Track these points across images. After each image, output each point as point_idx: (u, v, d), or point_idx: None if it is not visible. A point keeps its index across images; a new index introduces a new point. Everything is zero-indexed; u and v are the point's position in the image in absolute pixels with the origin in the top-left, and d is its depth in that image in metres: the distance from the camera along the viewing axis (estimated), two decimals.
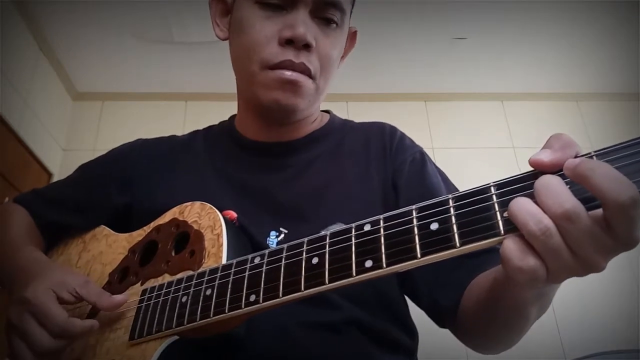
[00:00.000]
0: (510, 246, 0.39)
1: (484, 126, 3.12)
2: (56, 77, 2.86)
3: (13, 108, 2.43)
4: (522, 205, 0.38)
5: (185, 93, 3.09)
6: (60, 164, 2.88)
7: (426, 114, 3.17)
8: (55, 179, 2.78)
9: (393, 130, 0.84)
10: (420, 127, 3.11)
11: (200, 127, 0.95)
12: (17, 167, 2.47)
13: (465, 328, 0.66)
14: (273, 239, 0.70)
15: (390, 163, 0.78)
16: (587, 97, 3.17)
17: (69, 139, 2.98)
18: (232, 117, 0.91)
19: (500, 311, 0.55)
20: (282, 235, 0.70)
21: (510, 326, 0.57)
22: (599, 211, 0.37)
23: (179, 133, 0.94)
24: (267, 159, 0.81)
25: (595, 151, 0.39)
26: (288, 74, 0.72)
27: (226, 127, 0.89)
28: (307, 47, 0.72)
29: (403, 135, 0.84)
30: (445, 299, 0.66)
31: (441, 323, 0.71)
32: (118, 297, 0.65)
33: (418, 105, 3.19)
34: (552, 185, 0.38)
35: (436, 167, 0.81)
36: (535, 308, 0.53)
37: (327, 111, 0.91)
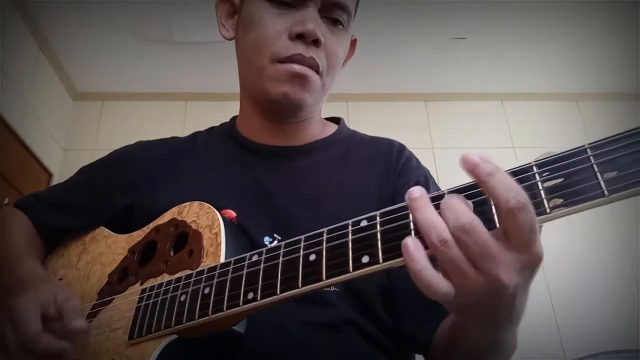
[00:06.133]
0: (406, 251, 0.41)
1: (484, 126, 3.12)
2: (56, 77, 2.86)
3: (13, 108, 2.43)
4: (427, 217, 0.41)
5: (185, 93, 3.09)
6: (60, 164, 2.88)
7: (426, 114, 3.17)
8: (55, 179, 2.79)
9: (401, 149, 0.84)
10: (420, 127, 3.11)
11: (200, 127, 0.95)
12: (17, 167, 2.48)
13: None
14: (267, 245, 0.69)
15: (392, 182, 0.78)
16: (587, 97, 3.17)
17: (69, 139, 2.98)
18: (234, 119, 0.91)
19: (459, 357, 0.57)
20: (275, 242, 0.70)
21: None
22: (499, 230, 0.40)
23: (179, 133, 0.94)
24: (268, 162, 0.81)
25: (589, 144, 0.39)
26: (297, 67, 0.74)
27: (227, 128, 0.90)
28: (316, 42, 0.75)
29: (411, 156, 0.84)
30: (421, 334, 0.67)
31: (418, 352, 0.72)
32: (79, 323, 0.60)
33: (418, 105, 3.19)
34: (453, 202, 0.41)
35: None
36: (491, 356, 0.53)
37: (337, 120, 0.91)
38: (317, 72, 0.76)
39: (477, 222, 0.39)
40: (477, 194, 0.42)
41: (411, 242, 0.40)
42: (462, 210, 0.40)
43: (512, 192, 0.38)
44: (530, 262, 0.40)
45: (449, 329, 0.58)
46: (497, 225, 0.41)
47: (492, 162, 0.40)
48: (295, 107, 0.77)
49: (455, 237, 0.40)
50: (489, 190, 0.39)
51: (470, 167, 0.40)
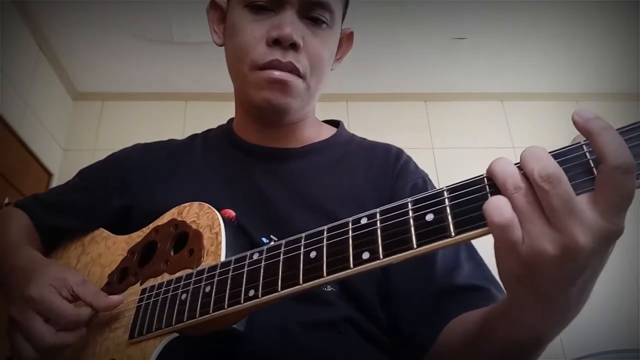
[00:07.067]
0: (493, 200, 0.40)
1: (484, 126, 3.13)
2: (56, 77, 2.86)
3: (13, 108, 2.43)
4: (502, 164, 0.40)
5: (185, 93, 3.10)
6: (60, 164, 2.88)
7: (426, 114, 3.17)
8: (55, 179, 2.79)
9: (399, 153, 0.84)
10: (420, 127, 3.11)
11: (201, 127, 0.96)
12: (17, 167, 2.48)
13: None
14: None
15: (389, 186, 0.77)
16: (587, 97, 3.17)
17: (69, 139, 2.98)
18: (230, 121, 0.92)
19: (489, 351, 0.53)
20: (272, 243, 0.70)
21: None
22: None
23: (179, 133, 0.95)
24: (265, 163, 0.81)
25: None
26: (276, 73, 0.73)
27: (224, 130, 0.90)
28: (294, 46, 0.73)
29: (408, 160, 0.83)
30: (422, 335, 0.65)
31: (410, 355, 0.68)
32: (115, 298, 0.65)
33: (418, 105, 3.19)
34: (538, 152, 0.39)
35: None
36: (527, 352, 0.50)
37: (337, 123, 0.91)
38: (299, 75, 0.74)
39: (564, 174, 0.38)
40: (475, 190, 0.42)
41: (494, 199, 0.39)
42: (548, 160, 0.38)
43: (623, 152, 0.36)
44: (611, 232, 0.38)
45: (482, 322, 0.54)
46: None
47: (604, 121, 0.38)
48: (281, 112, 0.77)
49: (537, 187, 0.38)
50: (599, 145, 0.37)
51: (582, 120, 0.38)
